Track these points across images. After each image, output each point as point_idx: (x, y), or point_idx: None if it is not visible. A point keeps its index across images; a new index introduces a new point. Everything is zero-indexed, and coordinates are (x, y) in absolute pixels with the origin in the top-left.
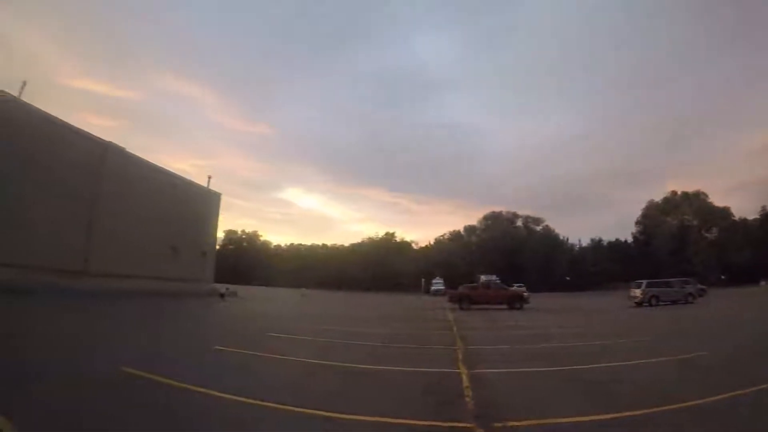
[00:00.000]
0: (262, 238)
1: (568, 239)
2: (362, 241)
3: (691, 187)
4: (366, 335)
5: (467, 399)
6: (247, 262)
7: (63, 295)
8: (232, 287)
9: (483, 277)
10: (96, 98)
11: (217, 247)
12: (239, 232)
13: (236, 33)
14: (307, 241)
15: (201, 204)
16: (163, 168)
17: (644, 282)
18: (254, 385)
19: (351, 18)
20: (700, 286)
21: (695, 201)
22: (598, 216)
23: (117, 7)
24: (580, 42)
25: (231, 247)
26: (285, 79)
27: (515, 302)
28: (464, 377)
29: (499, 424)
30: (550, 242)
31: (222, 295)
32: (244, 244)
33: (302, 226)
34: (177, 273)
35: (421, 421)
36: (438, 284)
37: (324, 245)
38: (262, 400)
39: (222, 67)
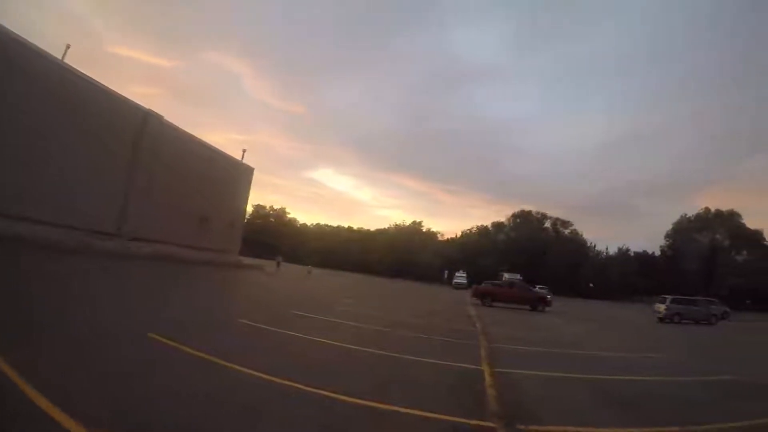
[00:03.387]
0: (289, 216)
1: (595, 246)
2: (388, 228)
3: (725, 206)
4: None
5: (491, 398)
6: (273, 238)
7: (98, 255)
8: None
9: (507, 276)
10: (138, 66)
11: (245, 220)
12: (267, 208)
13: (279, 11)
14: (334, 222)
15: (233, 177)
16: (198, 139)
17: (669, 298)
18: (281, 363)
19: (394, 2)
20: (725, 308)
21: (728, 220)
22: (628, 225)
23: None
24: (630, 48)
25: (258, 221)
26: (324, 60)
27: (538, 304)
28: (487, 375)
29: (522, 427)
30: (577, 247)
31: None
32: (272, 219)
33: (330, 207)
34: (204, 242)
35: (447, 416)
36: (461, 278)
37: (349, 228)
38: (291, 380)
39: (264, 45)
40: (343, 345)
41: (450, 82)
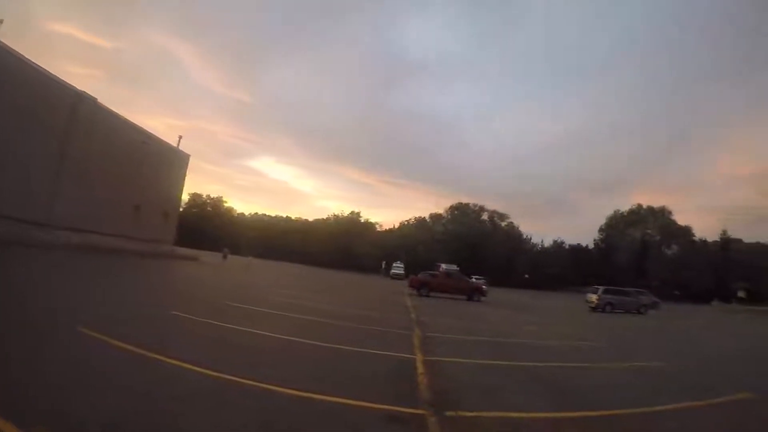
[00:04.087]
0: (226, 204)
1: (531, 238)
2: (327, 218)
3: (657, 202)
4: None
5: (422, 386)
6: (209, 228)
7: (24, 245)
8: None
9: (444, 266)
10: (73, 44)
11: (180, 209)
12: (204, 197)
13: None
14: (273, 212)
15: (168, 164)
16: (134, 124)
17: (601, 288)
18: (214, 355)
19: None
20: (654, 298)
21: (659, 216)
22: (564, 219)
23: None
24: (572, 48)
25: (195, 210)
26: (270, 48)
27: (474, 294)
28: (419, 364)
29: (452, 413)
30: (513, 239)
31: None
32: (208, 208)
33: (271, 197)
34: (138, 232)
35: (378, 404)
36: (398, 268)
37: (288, 218)
38: (217, 371)
39: (209, 28)
40: (278, 336)
41: (395, 74)
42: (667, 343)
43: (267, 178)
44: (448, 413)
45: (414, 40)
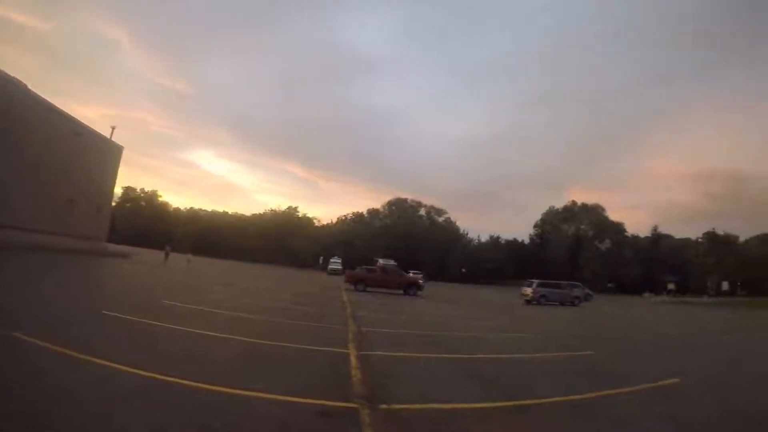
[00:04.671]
0: (161, 198)
1: (467, 233)
2: (264, 213)
3: (591, 200)
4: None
5: (355, 380)
6: (144, 223)
7: None
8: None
9: (381, 261)
10: (4, 24)
11: (113, 203)
12: (138, 190)
13: None
14: (210, 206)
15: (101, 156)
16: (66, 113)
17: (535, 282)
18: (145, 354)
19: None
20: (587, 291)
21: (592, 213)
22: (500, 215)
23: None
24: (508, 49)
25: (128, 204)
26: (211, 37)
27: (410, 289)
28: (353, 358)
29: (385, 406)
30: (450, 234)
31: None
32: (142, 203)
33: (208, 191)
34: (69, 228)
35: (309, 399)
36: (336, 263)
37: (225, 212)
38: (149, 371)
39: (147, 12)
40: (212, 334)
41: (337, 71)
42: (597, 333)
43: (204, 171)
44: (381, 406)
45: (358, 39)
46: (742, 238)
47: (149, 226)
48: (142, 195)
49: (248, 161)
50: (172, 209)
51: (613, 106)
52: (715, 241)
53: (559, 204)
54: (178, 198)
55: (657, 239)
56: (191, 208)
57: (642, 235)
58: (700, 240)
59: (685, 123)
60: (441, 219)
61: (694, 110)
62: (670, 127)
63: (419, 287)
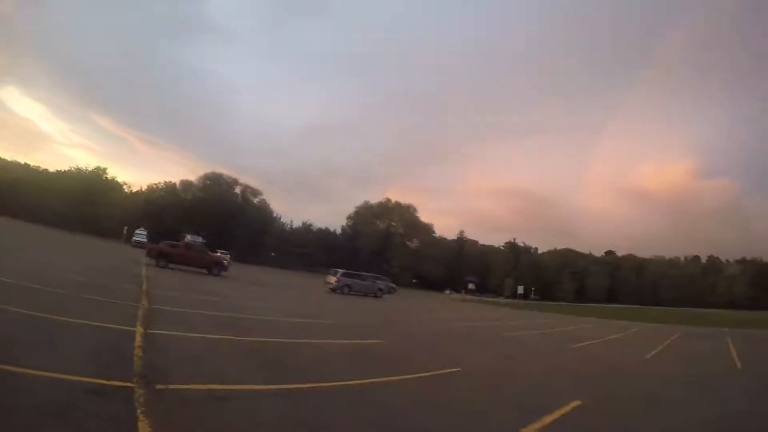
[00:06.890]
0: None
1: (281, 217)
2: (68, 170)
3: (406, 200)
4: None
5: (136, 359)
6: None
7: None
8: None
9: (189, 237)
10: None
11: None
12: None
13: None
14: (9, 155)
15: None
16: None
17: (340, 271)
18: None
19: None
20: (391, 284)
21: (405, 212)
22: (319, 204)
23: None
24: (357, 47)
25: None
26: None
27: (215, 268)
28: (138, 336)
29: (162, 386)
30: (264, 217)
31: None
32: None
33: (9, 136)
34: None
35: (84, 377)
36: (141, 236)
37: (27, 165)
38: None
39: None
40: None
41: (174, 26)
42: (391, 323)
43: (8, 110)
44: (158, 386)
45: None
46: (539, 251)
47: None
48: None
49: (62, 107)
50: None
51: (439, 119)
52: (514, 250)
53: (376, 200)
54: None
55: (462, 242)
56: None
57: (449, 237)
58: (502, 248)
59: (498, 144)
60: (256, 200)
61: (508, 132)
62: (485, 145)
63: (224, 268)
